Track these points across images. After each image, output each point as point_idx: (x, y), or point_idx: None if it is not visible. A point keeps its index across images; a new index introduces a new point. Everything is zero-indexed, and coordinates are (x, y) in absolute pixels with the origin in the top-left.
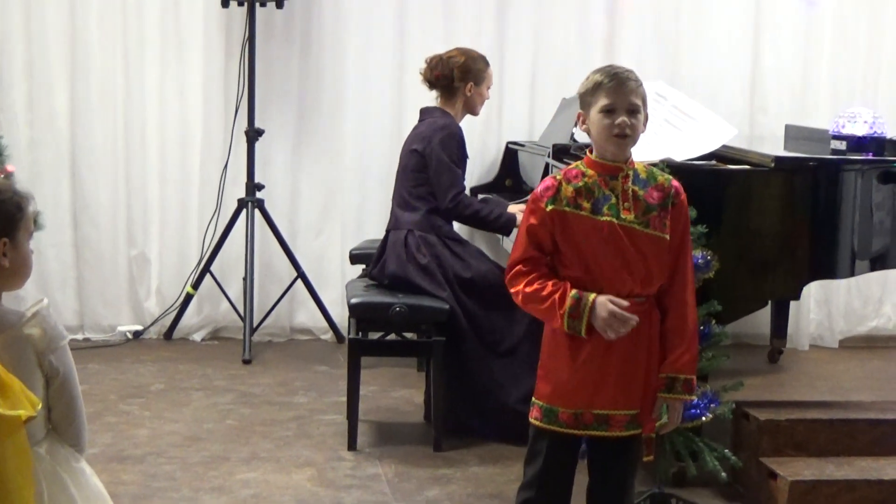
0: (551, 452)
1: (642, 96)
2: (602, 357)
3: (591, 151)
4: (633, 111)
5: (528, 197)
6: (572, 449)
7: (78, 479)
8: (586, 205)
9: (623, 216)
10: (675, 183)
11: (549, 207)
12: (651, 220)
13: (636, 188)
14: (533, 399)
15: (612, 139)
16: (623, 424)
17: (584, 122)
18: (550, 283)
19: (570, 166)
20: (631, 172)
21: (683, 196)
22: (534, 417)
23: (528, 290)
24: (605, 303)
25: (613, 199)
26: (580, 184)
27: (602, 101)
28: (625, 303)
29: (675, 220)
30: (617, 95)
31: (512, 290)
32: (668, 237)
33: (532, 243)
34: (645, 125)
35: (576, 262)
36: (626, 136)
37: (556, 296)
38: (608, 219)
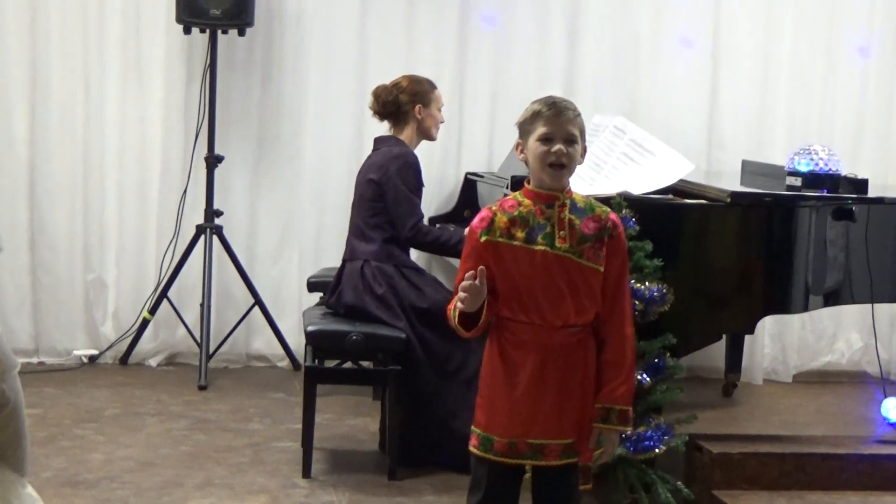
0: (492, 481)
1: (580, 127)
2: (537, 387)
3: (528, 182)
4: (570, 141)
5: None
6: (513, 478)
7: None
8: (520, 234)
9: (558, 245)
10: (613, 216)
11: (483, 239)
12: (585, 250)
13: (573, 217)
14: (472, 427)
15: (547, 168)
16: (557, 454)
17: (521, 152)
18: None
19: (508, 196)
20: (568, 202)
21: (621, 229)
22: (472, 446)
23: (450, 312)
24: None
25: (549, 229)
26: (515, 213)
27: (540, 130)
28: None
29: (611, 253)
30: (555, 124)
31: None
32: (601, 269)
33: (466, 276)
34: (582, 157)
35: (510, 292)
36: (563, 166)
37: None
38: (542, 248)
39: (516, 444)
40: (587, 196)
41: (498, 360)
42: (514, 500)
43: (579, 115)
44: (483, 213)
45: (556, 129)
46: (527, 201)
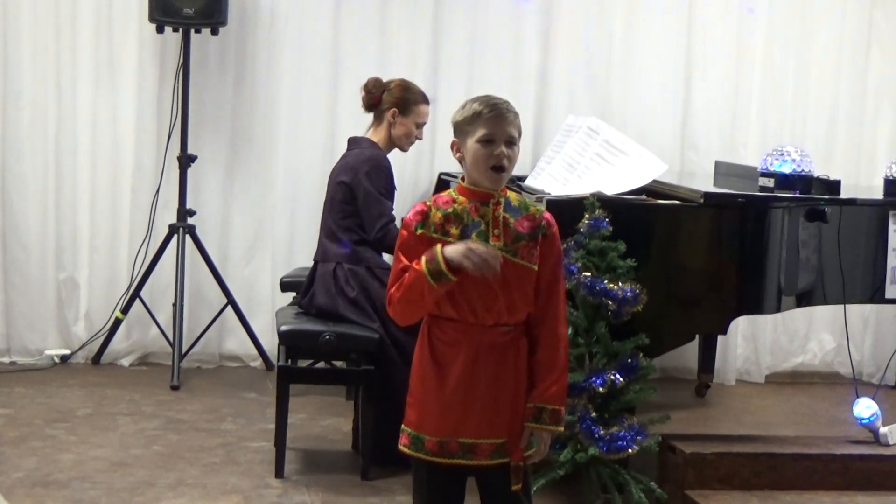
0: (433, 484)
1: (519, 128)
2: (468, 385)
3: (463, 179)
4: (510, 143)
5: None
6: (455, 479)
7: None
8: (454, 231)
9: (492, 243)
10: (547, 215)
11: (419, 231)
12: (520, 249)
13: (507, 215)
14: (402, 426)
15: (489, 171)
16: (488, 453)
17: (458, 151)
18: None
19: (443, 193)
20: (503, 200)
21: (555, 229)
22: (402, 444)
23: (395, 293)
24: (456, 244)
25: (483, 226)
26: (449, 210)
27: (480, 132)
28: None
29: (546, 252)
30: (496, 126)
31: (390, 311)
32: (535, 267)
33: (402, 269)
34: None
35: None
36: (503, 168)
37: (412, 267)
38: None
39: (447, 443)
40: (521, 195)
41: (429, 359)
42: (459, 501)
43: (518, 115)
44: (418, 206)
45: (497, 131)
46: (461, 198)
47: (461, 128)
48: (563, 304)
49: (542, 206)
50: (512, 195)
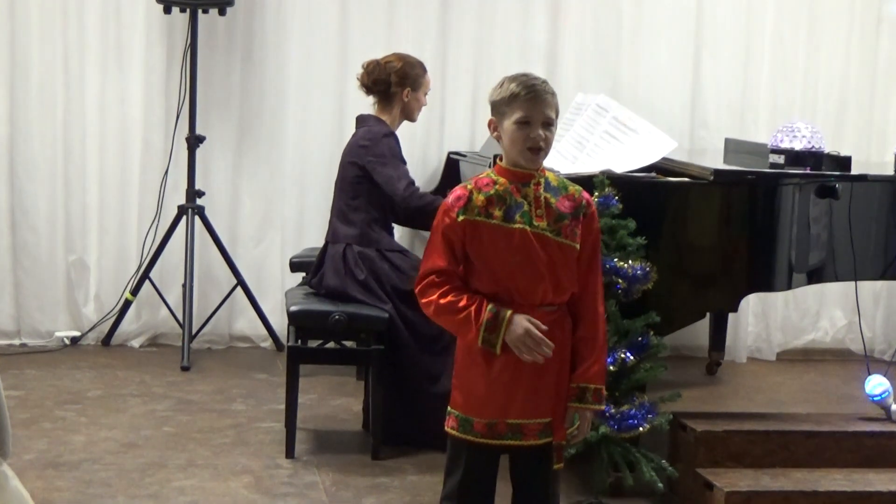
0: (470, 462)
1: (556, 108)
2: (514, 367)
3: (501, 159)
4: (547, 124)
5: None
6: (492, 458)
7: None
8: (498, 213)
9: (536, 223)
10: (586, 194)
11: (461, 217)
12: (563, 228)
13: (548, 195)
14: (449, 408)
15: (525, 152)
16: (536, 433)
17: (495, 130)
18: (466, 295)
19: (481, 175)
20: (542, 180)
21: (594, 208)
22: (450, 427)
23: (442, 301)
24: (522, 320)
25: (526, 207)
26: (491, 192)
27: (518, 113)
28: (543, 326)
29: (586, 231)
30: (534, 108)
31: (423, 301)
32: (577, 246)
33: (445, 254)
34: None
35: (485, 272)
36: (540, 150)
37: (473, 308)
38: (521, 226)
39: (496, 425)
40: (558, 174)
41: (475, 342)
42: (493, 480)
43: (555, 95)
44: (458, 191)
45: (534, 113)
46: (502, 179)
47: (498, 108)
48: (601, 282)
49: (580, 186)
50: (551, 175)
